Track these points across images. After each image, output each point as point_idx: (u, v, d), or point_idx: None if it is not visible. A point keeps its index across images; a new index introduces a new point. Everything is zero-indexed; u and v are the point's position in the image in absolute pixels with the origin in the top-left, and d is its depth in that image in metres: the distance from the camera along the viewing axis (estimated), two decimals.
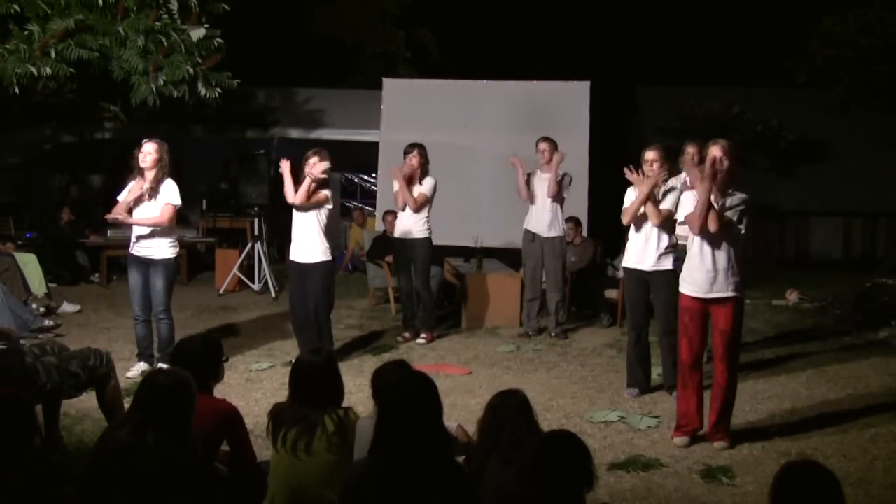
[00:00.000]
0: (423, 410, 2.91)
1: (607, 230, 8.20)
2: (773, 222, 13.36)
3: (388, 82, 11.84)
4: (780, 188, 12.87)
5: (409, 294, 7.90)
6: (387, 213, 9.59)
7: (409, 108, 11.23)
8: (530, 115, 10.63)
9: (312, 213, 6.70)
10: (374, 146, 11.56)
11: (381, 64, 16.21)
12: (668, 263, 5.93)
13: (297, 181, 6.64)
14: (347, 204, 14.09)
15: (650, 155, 6.00)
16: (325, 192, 6.70)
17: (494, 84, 11.33)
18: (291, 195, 6.62)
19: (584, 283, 8.85)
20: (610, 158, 11.60)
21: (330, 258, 6.82)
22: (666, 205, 5.91)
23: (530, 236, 8.03)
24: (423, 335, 7.75)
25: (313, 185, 6.59)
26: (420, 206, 7.61)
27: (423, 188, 7.62)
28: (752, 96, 13.33)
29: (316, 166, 6.61)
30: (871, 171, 13.33)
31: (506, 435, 3.32)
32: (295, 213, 6.79)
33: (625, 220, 6.11)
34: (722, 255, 4.94)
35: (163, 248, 6.38)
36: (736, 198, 4.97)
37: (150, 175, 6.33)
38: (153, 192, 6.30)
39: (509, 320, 8.36)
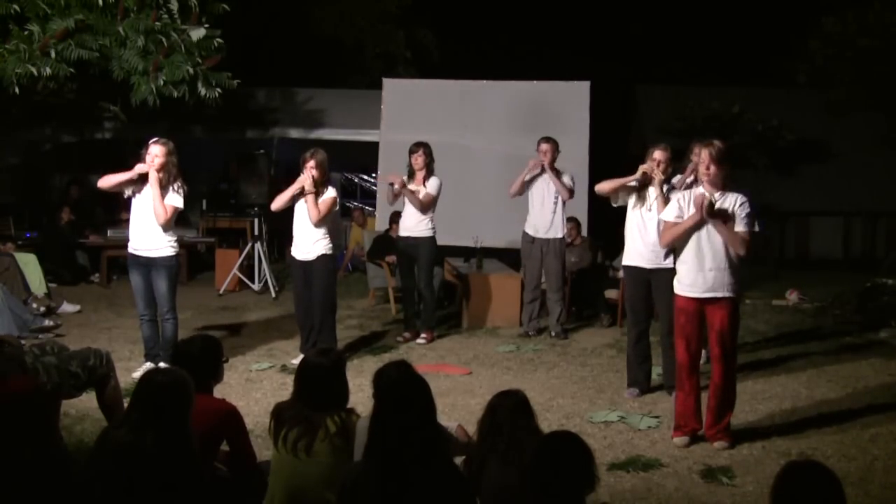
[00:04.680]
0: (414, 411, 2.91)
1: (607, 230, 8.19)
2: (773, 222, 13.36)
3: (388, 82, 11.84)
4: (780, 188, 12.86)
5: (410, 293, 7.91)
6: (395, 214, 9.56)
7: (409, 108, 11.22)
8: (530, 115, 10.63)
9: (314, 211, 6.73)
10: (374, 146, 11.56)
11: (381, 64, 16.21)
12: (669, 262, 5.90)
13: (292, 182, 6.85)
14: (347, 204, 14.07)
15: (659, 155, 5.97)
16: (333, 195, 6.79)
17: (494, 84, 11.33)
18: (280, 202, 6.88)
19: (584, 283, 8.85)
20: (610, 158, 11.61)
21: (332, 253, 6.86)
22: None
23: (529, 238, 8.02)
24: (423, 335, 7.74)
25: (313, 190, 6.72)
26: (426, 206, 7.60)
27: (429, 188, 7.61)
28: (752, 96, 13.32)
29: (313, 169, 6.73)
30: (871, 171, 13.33)
31: (505, 435, 3.32)
32: (296, 210, 6.83)
33: (599, 187, 6.27)
34: (718, 255, 4.92)
35: (163, 248, 6.35)
36: (730, 199, 4.95)
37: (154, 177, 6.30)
38: (169, 184, 6.31)
39: (509, 320, 8.35)
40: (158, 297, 6.41)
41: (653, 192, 6.02)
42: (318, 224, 6.75)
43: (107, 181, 6.42)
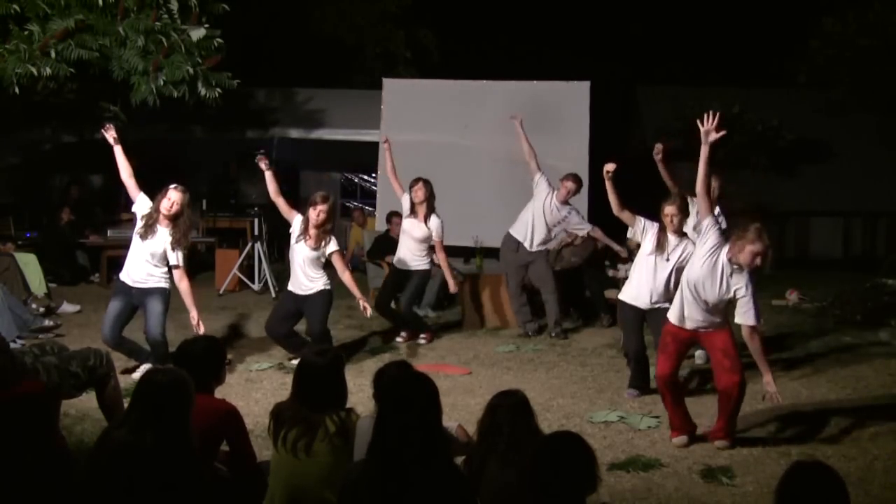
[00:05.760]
0: (421, 411, 2.90)
1: (607, 230, 8.19)
2: (773, 222, 13.36)
3: (388, 82, 11.83)
4: (780, 188, 12.87)
5: (383, 306, 7.78)
6: (392, 214, 9.57)
7: (409, 108, 11.22)
8: (530, 115, 10.52)
9: (314, 252, 6.69)
10: (374, 146, 11.55)
11: (381, 64, 16.20)
12: (666, 304, 5.80)
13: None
14: (347, 204, 14.09)
15: (670, 210, 5.90)
16: (337, 248, 6.73)
17: (494, 84, 11.31)
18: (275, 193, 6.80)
19: (585, 283, 8.84)
20: (610, 158, 11.57)
21: (329, 289, 6.79)
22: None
23: (514, 245, 7.98)
24: (423, 335, 7.75)
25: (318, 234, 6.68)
26: (442, 248, 7.62)
27: (434, 235, 7.57)
28: (752, 96, 13.31)
29: (320, 216, 6.61)
30: (871, 171, 13.33)
31: (505, 435, 3.32)
32: (293, 249, 6.76)
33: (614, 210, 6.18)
34: (712, 301, 4.95)
35: (156, 280, 6.32)
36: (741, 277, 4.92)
37: (164, 222, 6.26)
38: (177, 244, 6.27)
39: (509, 320, 8.35)
40: (152, 318, 6.27)
41: (672, 240, 5.95)
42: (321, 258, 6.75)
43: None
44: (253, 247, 10.26)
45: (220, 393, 4.09)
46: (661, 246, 5.96)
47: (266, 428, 3.69)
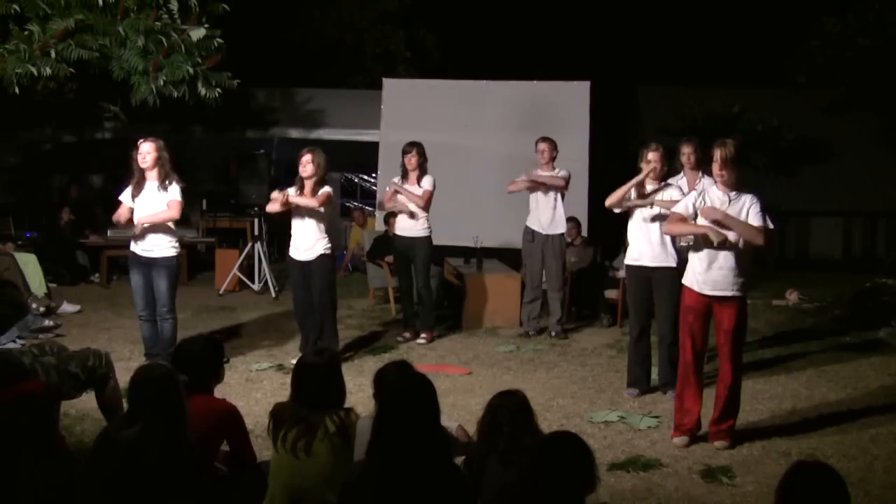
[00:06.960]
0: (420, 411, 2.90)
1: (607, 231, 8.20)
2: (773, 222, 13.36)
3: (388, 82, 11.84)
4: (780, 188, 12.87)
5: (409, 293, 7.90)
6: (388, 214, 9.57)
7: (409, 108, 11.22)
8: (530, 115, 10.62)
9: (312, 211, 6.73)
10: (374, 146, 11.56)
11: (381, 64, 16.21)
12: (671, 260, 5.95)
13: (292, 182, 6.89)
14: (347, 204, 14.09)
15: (652, 156, 6.04)
16: (328, 190, 6.77)
17: (494, 84, 11.32)
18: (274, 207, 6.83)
19: (584, 283, 8.85)
20: (610, 158, 11.62)
21: (331, 253, 6.85)
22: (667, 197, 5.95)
23: (530, 236, 8.02)
24: (423, 335, 7.74)
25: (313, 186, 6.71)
26: (427, 203, 7.61)
27: (425, 185, 7.63)
28: (753, 96, 13.34)
29: (306, 167, 6.72)
30: (871, 171, 13.34)
31: (505, 435, 3.32)
32: (294, 211, 6.81)
33: (609, 201, 6.22)
34: (729, 255, 4.93)
35: (164, 248, 6.40)
36: (742, 199, 4.95)
37: (151, 175, 6.38)
38: (167, 176, 6.40)
39: (509, 320, 8.36)
40: (158, 296, 6.43)
41: (650, 187, 6.06)
42: (320, 219, 6.75)
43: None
44: (253, 247, 10.26)
45: (220, 393, 4.09)
46: (640, 196, 6.07)
47: (266, 428, 3.69)
